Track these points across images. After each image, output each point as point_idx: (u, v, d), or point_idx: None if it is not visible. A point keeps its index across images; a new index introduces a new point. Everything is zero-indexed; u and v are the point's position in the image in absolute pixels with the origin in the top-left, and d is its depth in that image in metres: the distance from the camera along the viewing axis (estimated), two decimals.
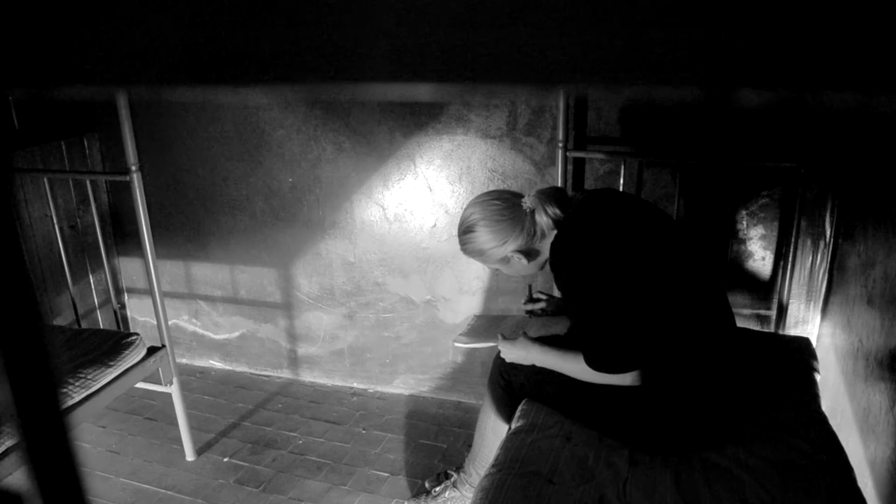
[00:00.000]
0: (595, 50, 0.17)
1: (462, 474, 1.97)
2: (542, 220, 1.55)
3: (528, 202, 1.57)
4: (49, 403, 0.18)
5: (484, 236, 1.57)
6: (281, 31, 0.20)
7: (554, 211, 1.54)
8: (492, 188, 2.30)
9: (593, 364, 1.46)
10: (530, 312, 1.96)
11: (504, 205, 1.57)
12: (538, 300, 1.95)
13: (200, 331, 2.96)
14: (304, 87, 0.21)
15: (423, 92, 0.22)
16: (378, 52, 0.20)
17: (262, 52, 0.19)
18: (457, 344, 1.82)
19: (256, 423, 2.53)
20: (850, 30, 0.16)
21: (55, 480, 0.18)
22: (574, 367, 1.52)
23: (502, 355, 1.71)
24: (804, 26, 0.16)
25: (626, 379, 1.46)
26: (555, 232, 1.54)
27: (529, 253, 1.58)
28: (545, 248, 1.57)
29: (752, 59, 0.17)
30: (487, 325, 1.93)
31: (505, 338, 1.70)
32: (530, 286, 1.99)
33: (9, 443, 1.52)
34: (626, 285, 1.42)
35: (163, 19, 0.20)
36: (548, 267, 1.58)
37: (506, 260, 1.60)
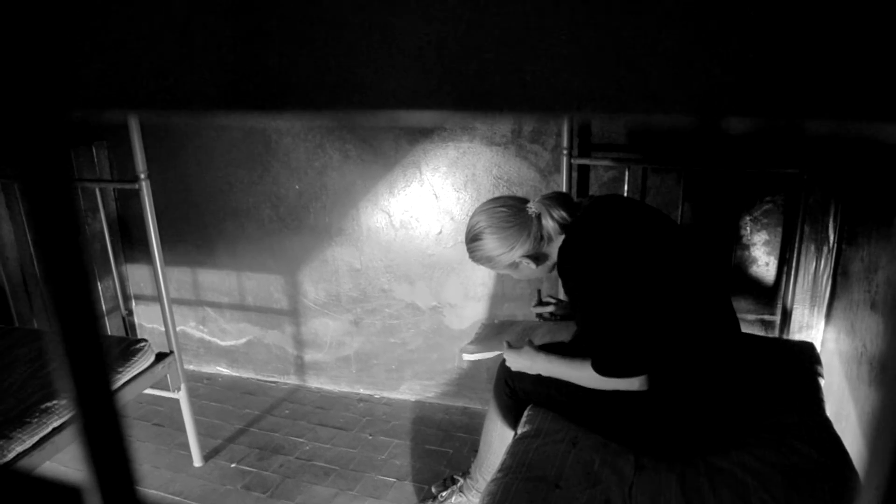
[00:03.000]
0: (597, 81, 0.19)
1: (468, 479, 1.98)
2: (549, 224, 1.56)
3: (533, 207, 1.59)
4: (101, 384, 0.19)
5: (492, 243, 1.58)
6: (307, 63, 0.22)
7: (560, 214, 1.55)
8: (497, 195, 2.32)
9: (600, 368, 1.46)
10: (540, 315, 1.97)
11: (510, 211, 1.58)
12: (547, 304, 1.96)
13: (207, 337, 2.98)
14: (328, 114, 0.22)
15: (427, 118, 0.23)
16: (393, 85, 0.21)
17: (293, 82, 0.21)
18: (465, 356, 1.83)
19: (263, 429, 2.55)
20: (823, 63, 0.18)
21: (105, 453, 0.20)
22: (581, 374, 1.53)
23: (507, 364, 1.72)
24: (783, 61, 0.18)
25: (633, 384, 1.47)
26: (562, 236, 1.56)
27: (538, 257, 1.60)
28: (553, 251, 1.59)
29: (737, 89, 0.18)
30: (493, 333, 1.94)
31: (510, 346, 1.71)
32: (539, 290, 2.01)
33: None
34: (633, 290, 1.43)
35: (200, 49, 0.22)
36: (555, 271, 1.59)
37: (514, 265, 1.61)
